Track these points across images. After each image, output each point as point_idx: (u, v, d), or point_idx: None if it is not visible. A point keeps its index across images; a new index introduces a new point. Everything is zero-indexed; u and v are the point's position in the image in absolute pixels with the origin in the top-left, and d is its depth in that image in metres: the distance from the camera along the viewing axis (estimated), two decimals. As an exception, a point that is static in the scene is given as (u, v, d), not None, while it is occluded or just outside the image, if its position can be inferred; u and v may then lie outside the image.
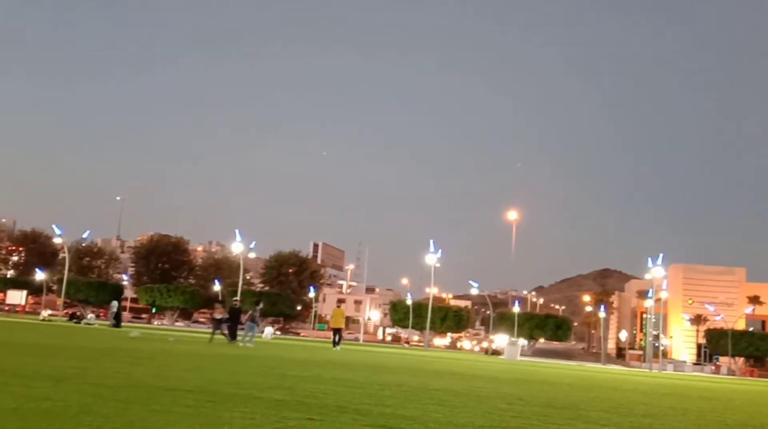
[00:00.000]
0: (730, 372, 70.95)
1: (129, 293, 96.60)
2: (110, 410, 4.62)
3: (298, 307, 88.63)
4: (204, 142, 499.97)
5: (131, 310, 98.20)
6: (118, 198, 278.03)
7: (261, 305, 27.74)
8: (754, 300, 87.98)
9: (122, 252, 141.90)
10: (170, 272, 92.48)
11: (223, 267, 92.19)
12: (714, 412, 9.26)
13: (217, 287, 74.13)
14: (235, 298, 27.54)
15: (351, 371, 11.93)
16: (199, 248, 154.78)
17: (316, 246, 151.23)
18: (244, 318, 26.82)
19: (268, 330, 46.13)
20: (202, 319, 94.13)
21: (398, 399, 6.96)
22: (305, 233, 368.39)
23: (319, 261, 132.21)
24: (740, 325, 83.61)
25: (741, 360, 76.69)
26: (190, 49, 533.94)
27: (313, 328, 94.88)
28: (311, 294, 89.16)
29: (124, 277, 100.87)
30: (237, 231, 55.83)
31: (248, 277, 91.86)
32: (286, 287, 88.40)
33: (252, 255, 72.99)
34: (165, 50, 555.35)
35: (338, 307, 32.77)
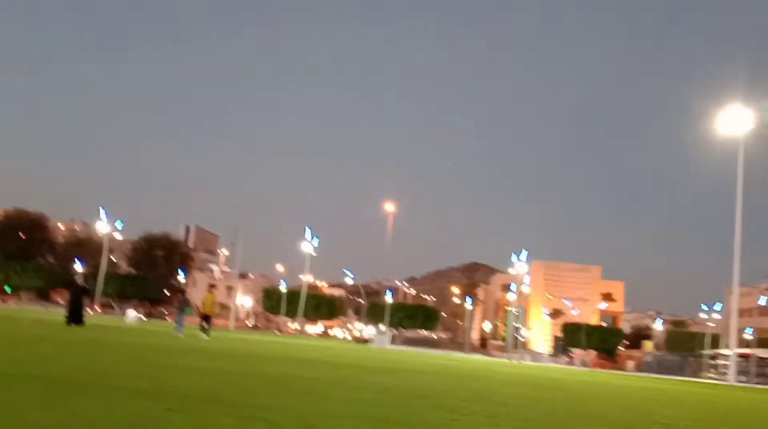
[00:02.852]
0: (583, 364, 75.64)
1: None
2: (-53, 399, 4.28)
3: (166, 292, 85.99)
4: (73, 112, 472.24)
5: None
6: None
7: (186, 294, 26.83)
8: (607, 297, 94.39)
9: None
10: (27, 249, 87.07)
11: (86, 246, 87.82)
12: (565, 401, 9.83)
13: (78, 268, 70.53)
14: (77, 276, 25.86)
15: (217, 360, 11.71)
16: (61, 226, 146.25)
17: (188, 229, 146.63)
18: (175, 304, 26.34)
19: (132, 313, 44.31)
20: (61, 301, 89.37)
21: (263, 389, 6.90)
22: (178, 216, 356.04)
23: (191, 244, 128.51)
24: (594, 320, 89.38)
25: (593, 352, 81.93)
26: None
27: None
28: (181, 278, 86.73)
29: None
30: (101, 209, 53.16)
31: (113, 259, 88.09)
32: (155, 270, 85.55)
33: (118, 235, 70.00)
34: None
35: (210, 291, 31.69)
